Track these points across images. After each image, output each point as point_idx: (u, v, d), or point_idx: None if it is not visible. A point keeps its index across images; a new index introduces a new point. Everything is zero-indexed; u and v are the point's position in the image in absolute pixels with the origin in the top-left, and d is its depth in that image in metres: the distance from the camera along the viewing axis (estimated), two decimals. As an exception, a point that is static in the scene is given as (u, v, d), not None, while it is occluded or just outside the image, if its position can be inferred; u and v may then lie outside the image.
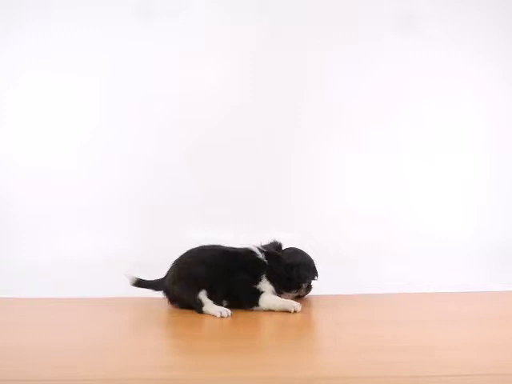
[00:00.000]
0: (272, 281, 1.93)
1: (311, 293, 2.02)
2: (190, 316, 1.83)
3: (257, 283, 1.91)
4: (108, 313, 1.91)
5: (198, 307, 1.85)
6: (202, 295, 1.86)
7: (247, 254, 1.97)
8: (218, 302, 1.87)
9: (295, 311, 1.87)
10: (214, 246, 1.98)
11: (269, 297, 1.91)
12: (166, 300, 1.95)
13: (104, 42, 2.51)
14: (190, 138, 2.52)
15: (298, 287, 1.99)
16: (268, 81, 2.53)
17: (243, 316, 1.83)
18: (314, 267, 2.02)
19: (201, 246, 1.98)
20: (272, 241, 2.04)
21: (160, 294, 1.96)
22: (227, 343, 1.58)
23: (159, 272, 1.95)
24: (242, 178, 2.50)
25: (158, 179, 2.51)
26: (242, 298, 1.90)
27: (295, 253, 2.03)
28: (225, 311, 1.81)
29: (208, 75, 2.52)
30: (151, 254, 2.20)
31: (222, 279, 1.90)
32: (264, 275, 1.92)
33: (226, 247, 1.98)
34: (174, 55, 2.53)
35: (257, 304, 1.90)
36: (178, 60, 2.53)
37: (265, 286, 1.92)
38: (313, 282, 2.02)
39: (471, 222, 2.51)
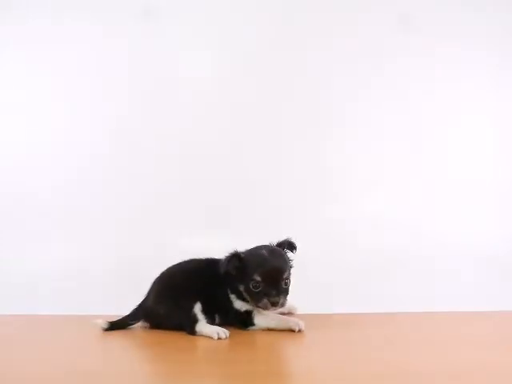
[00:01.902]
0: (235, 293, 1.68)
1: (313, 311, 1.78)
2: (179, 337, 1.61)
3: (230, 301, 1.68)
4: (89, 333, 1.69)
5: (190, 325, 1.61)
6: (197, 310, 1.63)
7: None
8: (210, 318, 1.65)
9: (300, 330, 1.64)
10: (197, 258, 1.77)
11: (265, 314, 1.67)
12: (147, 326, 1.73)
13: (104, 42, 2.41)
14: (189, 141, 2.38)
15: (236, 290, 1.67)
16: (272, 81, 2.41)
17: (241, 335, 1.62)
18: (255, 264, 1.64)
19: (182, 260, 1.76)
20: (283, 240, 1.76)
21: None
22: (224, 368, 1.36)
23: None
24: (241, 181, 2.34)
25: (154, 184, 2.36)
26: (234, 320, 1.67)
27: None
28: (222, 332, 1.57)
29: (208, 76, 2.41)
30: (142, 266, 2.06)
31: (211, 291, 1.67)
32: (228, 289, 1.69)
33: (210, 258, 1.76)
34: (172, 57, 2.42)
35: (252, 324, 1.67)
36: (176, 65, 2.42)
37: (238, 302, 1.68)
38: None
39: (500, 232, 2.34)
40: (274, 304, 1.63)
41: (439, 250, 2.27)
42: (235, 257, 1.67)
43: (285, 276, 1.66)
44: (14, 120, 2.39)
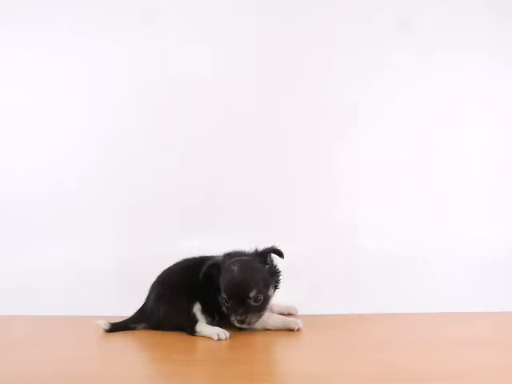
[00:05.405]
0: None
1: (314, 312, 1.78)
2: (179, 338, 1.61)
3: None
4: (89, 334, 1.69)
5: (190, 326, 1.62)
6: (196, 309, 1.64)
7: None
8: (210, 316, 1.65)
9: (298, 329, 1.65)
10: (193, 257, 1.77)
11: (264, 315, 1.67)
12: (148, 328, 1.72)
13: (104, 42, 2.39)
14: (189, 141, 2.36)
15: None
16: (272, 81, 2.39)
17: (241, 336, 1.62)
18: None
19: (178, 260, 1.77)
20: (268, 248, 1.71)
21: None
22: (224, 369, 1.36)
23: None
24: (242, 183, 2.32)
25: (154, 184, 2.34)
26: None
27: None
28: (222, 333, 1.58)
29: (208, 76, 2.40)
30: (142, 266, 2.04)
31: (210, 290, 1.67)
32: None
33: (207, 256, 1.76)
34: (172, 57, 2.41)
35: None
36: (176, 64, 2.41)
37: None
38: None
39: (500, 233, 2.32)
40: (240, 322, 1.59)
41: (439, 250, 2.25)
42: (214, 266, 1.66)
43: (252, 294, 1.59)
44: (14, 120, 2.38)
